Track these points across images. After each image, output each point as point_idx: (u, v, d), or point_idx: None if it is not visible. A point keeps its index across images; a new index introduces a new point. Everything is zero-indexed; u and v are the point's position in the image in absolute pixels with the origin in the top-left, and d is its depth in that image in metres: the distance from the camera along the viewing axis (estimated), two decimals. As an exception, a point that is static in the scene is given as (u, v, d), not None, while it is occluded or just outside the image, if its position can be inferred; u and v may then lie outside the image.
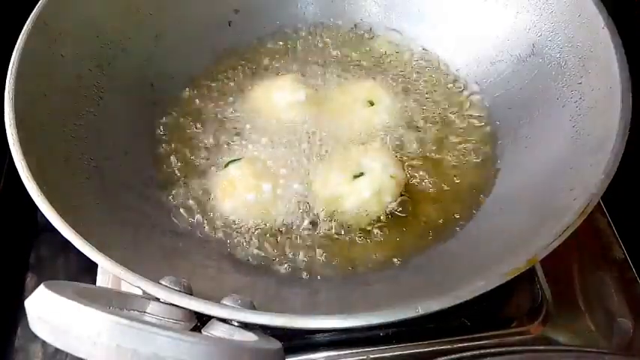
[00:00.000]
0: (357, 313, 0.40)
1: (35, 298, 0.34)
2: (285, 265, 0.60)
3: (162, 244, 0.58)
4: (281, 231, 0.62)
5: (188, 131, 0.70)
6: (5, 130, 0.50)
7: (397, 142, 0.68)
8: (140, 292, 0.42)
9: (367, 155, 0.65)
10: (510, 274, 0.43)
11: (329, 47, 0.79)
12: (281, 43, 0.80)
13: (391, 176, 0.63)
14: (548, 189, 0.54)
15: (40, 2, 0.58)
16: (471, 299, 0.41)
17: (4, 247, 0.73)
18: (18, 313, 0.68)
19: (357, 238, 0.61)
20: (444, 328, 0.61)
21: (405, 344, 0.60)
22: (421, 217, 0.62)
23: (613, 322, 0.63)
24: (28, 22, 0.57)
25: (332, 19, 0.82)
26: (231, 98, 0.74)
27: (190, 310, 0.40)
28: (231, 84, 0.76)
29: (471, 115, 0.71)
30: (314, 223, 0.62)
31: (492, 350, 0.55)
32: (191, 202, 0.64)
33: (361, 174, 0.63)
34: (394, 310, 0.40)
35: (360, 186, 0.63)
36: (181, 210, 0.64)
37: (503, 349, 0.56)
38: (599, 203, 0.47)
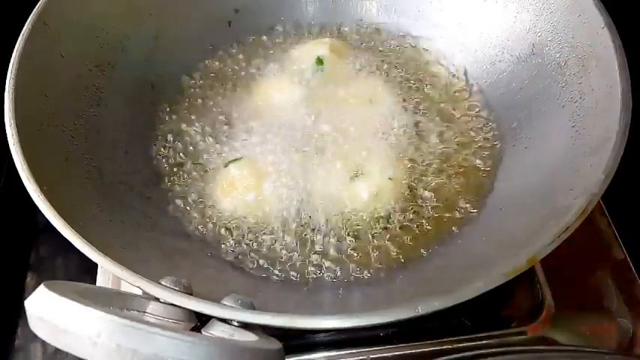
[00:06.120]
0: (357, 313, 0.40)
1: (35, 298, 0.34)
2: (285, 265, 0.59)
3: (163, 244, 0.58)
4: (281, 231, 0.62)
5: (188, 131, 0.70)
6: (5, 130, 0.50)
7: (397, 143, 0.68)
8: (140, 292, 0.42)
9: (366, 156, 0.65)
10: (510, 274, 0.43)
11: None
12: (281, 43, 0.80)
13: (390, 178, 0.63)
14: (548, 189, 0.54)
15: (40, 2, 0.58)
16: (471, 299, 0.41)
17: (4, 247, 0.73)
18: (18, 313, 0.68)
19: (356, 239, 0.61)
20: (444, 328, 0.61)
21: (405, 344, 0.60)
22: (420, 218, 0.62)
23: (613, 322, 0.63)
24: (28, 22, 0.57)
25: (332, 19, 0.82)
26: (231, 98, 0.74)
27: (190, 310, 0.40)
28: (231, 84, 0.76)
29: (470, 115, 0.71)
30: (313, 224, 0.62)
31: (492, 350, 0.55)
32: (191, 201, 0.64)
33: (359, 175, 0.63)
34: (394, 310, 0.40)
35: (358, 188, 0.63)
36: (181, 210, 0.64)
37: (503, 349, 0.56)
38: (599, 203, 0.47)
